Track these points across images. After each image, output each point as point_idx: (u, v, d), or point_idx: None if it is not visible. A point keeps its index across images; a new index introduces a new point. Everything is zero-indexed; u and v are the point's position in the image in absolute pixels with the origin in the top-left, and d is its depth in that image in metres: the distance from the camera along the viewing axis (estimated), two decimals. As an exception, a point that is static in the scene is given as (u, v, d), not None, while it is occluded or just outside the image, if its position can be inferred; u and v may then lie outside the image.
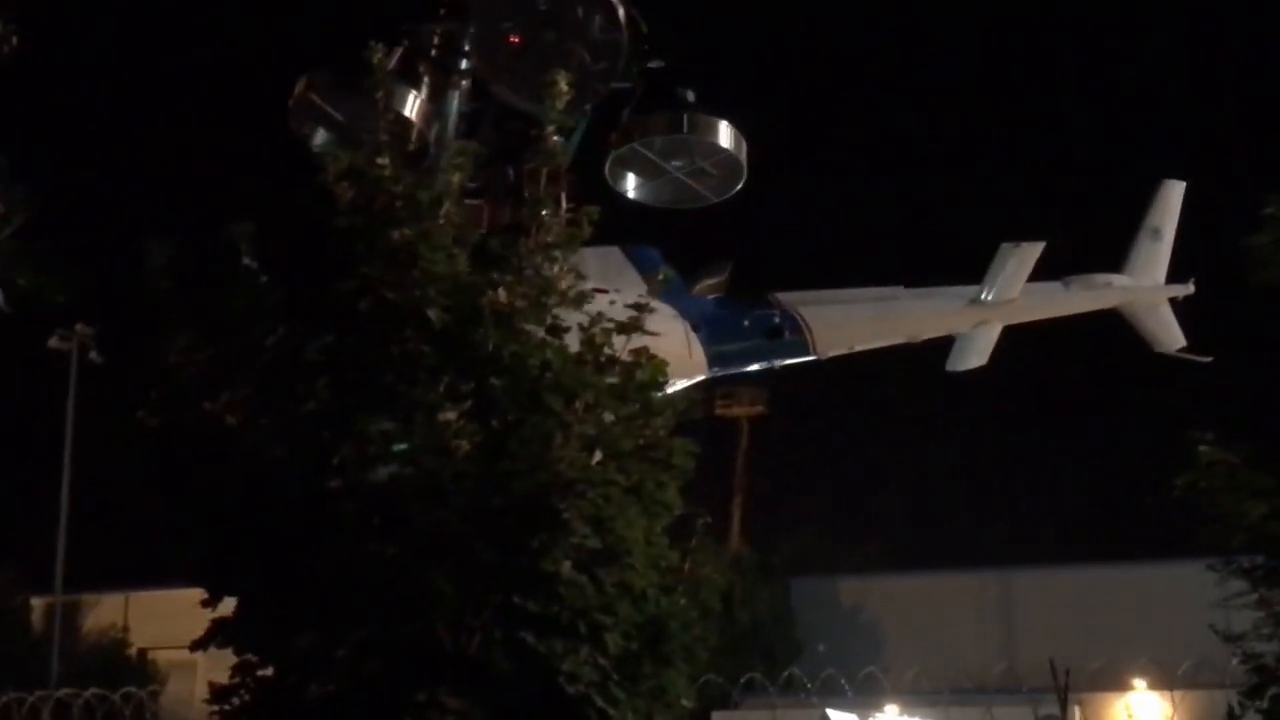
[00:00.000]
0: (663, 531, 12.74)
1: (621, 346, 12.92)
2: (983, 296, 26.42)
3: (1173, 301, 28.54)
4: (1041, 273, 26.51)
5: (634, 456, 12.39)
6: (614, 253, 23.43)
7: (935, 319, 27.38)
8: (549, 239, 12.95)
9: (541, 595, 11.57)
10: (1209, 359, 27.61)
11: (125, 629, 46.28)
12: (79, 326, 43.95)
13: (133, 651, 45.00)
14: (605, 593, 11.85)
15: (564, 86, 13.70)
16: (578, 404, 12.10)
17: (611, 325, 12.76)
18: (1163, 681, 33.91)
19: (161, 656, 43.65)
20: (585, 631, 11.72)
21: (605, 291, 13.04)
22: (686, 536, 13.31)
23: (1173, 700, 31.50)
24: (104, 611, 47.44)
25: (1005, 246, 25.97)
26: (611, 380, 12.61)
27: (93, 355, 43.08)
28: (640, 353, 12.97)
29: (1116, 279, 28.63)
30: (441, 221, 12.67)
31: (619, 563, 12.00)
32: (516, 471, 11.68)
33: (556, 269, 12.97)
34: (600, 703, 11.83)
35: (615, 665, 11.93)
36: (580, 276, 13.49)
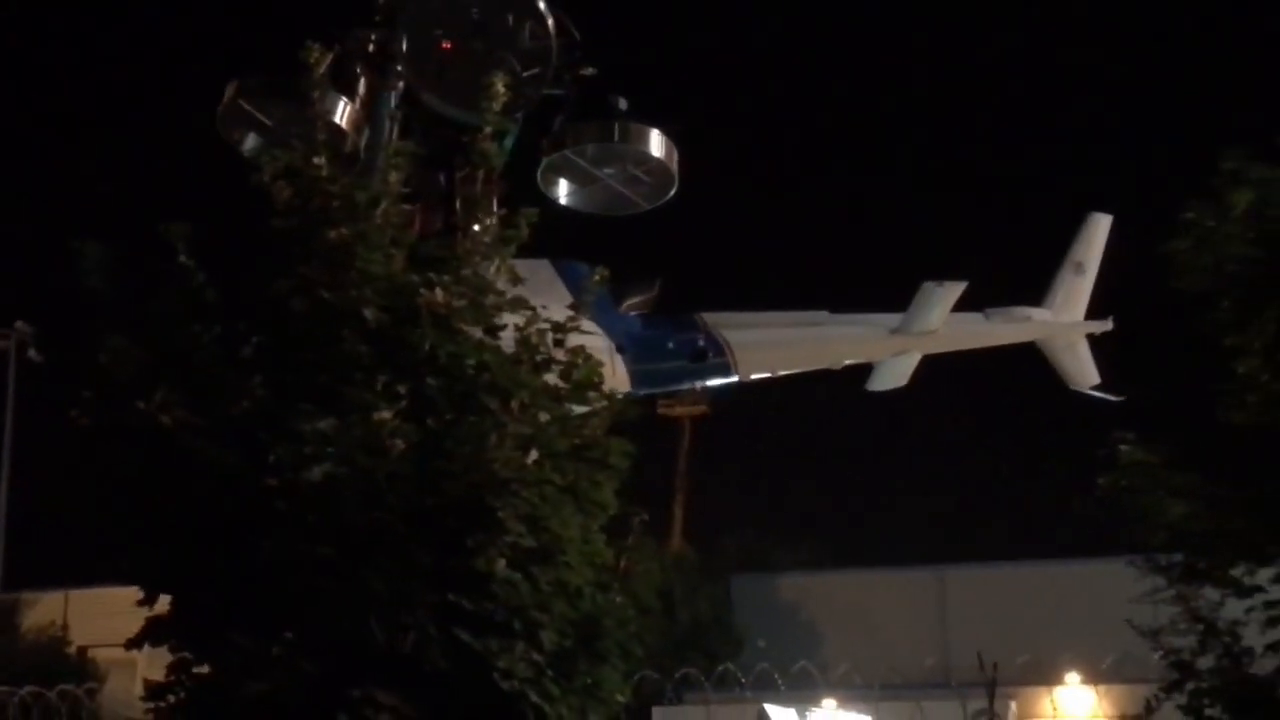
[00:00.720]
0: (599, 530, 12.74)
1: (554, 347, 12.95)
2: (904, 327, 26.70)
3: (1090, 338, 28.84)
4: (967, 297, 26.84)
5: (570, 456, 12.37)
6: (544, 265, 23.42)
7: (857, 346, 27.65)
8: (486, 240, 12.94)
9: (477, 593, 11.53)
10: (1120, 398, 27.91)
11: (65, 627, 45.83)
12: (18, 324, 43.48)
13: (72, 649, 44.54)
14: (540, 590, 11.83)
15: (500, 89, 13.70)
16: (513, 404, 12.07)
17: (547, 326, 12.77)
18: (1089, 676, 34.33)
19: (101, 654, 43.19)
20: (520, 629, 11.69)
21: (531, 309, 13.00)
22: (623, 535, 13.32)
23: (1098, 694, 31.89)
24: (43, 610, 46.92)
25: (928, 285, 26.31)
26: (548, 379, 12.63)
27: (31, 354, 42.60)
28: (576, 353, 12.99)
29: (1037, 313, 28.95)
30: (379, 222, 12.62)
31: (554, 561, 11.99)
32: (452, 471, 11.62)
33: (493, 270, 12.96)
34: (535, 699, 11.80)
35: (550, 662, 11.90)
36: (517, 279, 13.48)
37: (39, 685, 27.22)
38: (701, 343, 26.24)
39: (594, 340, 24.39)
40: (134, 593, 12.32)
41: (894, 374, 28.01)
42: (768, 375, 27.37)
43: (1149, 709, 11.95)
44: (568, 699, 12.19)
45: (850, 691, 33.24)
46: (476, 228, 13.02)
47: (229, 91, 22.70)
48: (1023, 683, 36.78)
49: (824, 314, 27.42)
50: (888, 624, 42.78)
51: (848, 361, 27.97)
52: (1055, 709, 35.25)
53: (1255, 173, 11.53)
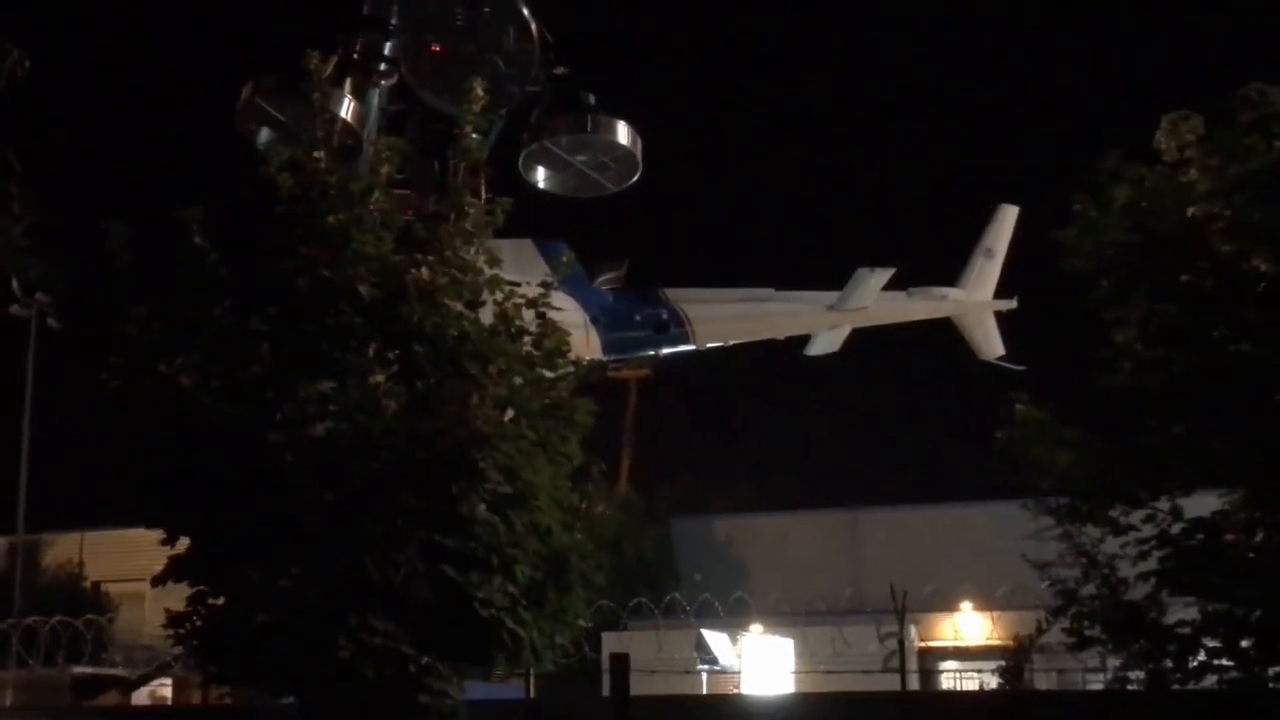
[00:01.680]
0: (566, 478, 12.86)
1: (530, 319, 13.02)
2: (839, 305, 27.09)
3: (998, 314, 29.21)
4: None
5: (541, 414, 12.47)
6: (527, 244, 23.52)
7: (799, 320, 28.02)
8: (467, 225, 12.96)
9: (460, 534, 11.65)
10: (1022, 368, 28.32)
11: (81, 564, 45.39)
12: (38, 295, 42.81)
13: (88, 584, 44.16)
14: (515, 531, 11.95)
15: (480, 91, 13.72)
16: (492, 369, 12.15)
17: (522, 300, 12.84)
18: (983, 604, 34.79)
19: (113, 588, 42.89)
20: (498, 564, 11.81)
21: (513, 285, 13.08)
22: (585, 481, 13.42)
23: (992, 619, 32.36)
24: (61, 549, 46.43)
25: (861, 270, 26.70)
26: (523, 347, 12.70)
27: (50, 321, 41.98)
28: (547, 324, 13.08)
29: (952, 292, 29.28)
30: (372, 208, 12.63)
31: (527, 505, 12.10)
32: (438, 428, 11.69)
33: (473, 251, 12.98)
34: (510, 624, 11.93)
35: (523, 592, 12.04)
36: (495, 259, 13.52)
37: (61, 616, 26.99)
38: (665, 315, 26.54)
39: (572, 314, 24.80)
40: (141, 533, 12.33)
41: (829, 343, 28.43)
42: (721, 344, 27.66)
43: (1040, 630, 12.20)
44: (539, 624, 12.33)
45: (777, 618, 33.55)
46: (457, 215, 13.01)
47: (246, 91, 22.52)
48: (925, 610, 37.15)
49: (771, 291, 27.79)
50: (808, 559, 43.04)
51: (791, 333, 28.35)
52: (956, 632, 35.75)
53: (1131, 172, 11.73)
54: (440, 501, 11.63)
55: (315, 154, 12.67)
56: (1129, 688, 11.82)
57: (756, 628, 34.10)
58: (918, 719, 13.82)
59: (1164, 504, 11.64)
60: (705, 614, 30.06)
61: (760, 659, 33.07)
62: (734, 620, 32.39)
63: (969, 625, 36.76)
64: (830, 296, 27.46)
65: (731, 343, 27.96)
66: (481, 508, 11.69)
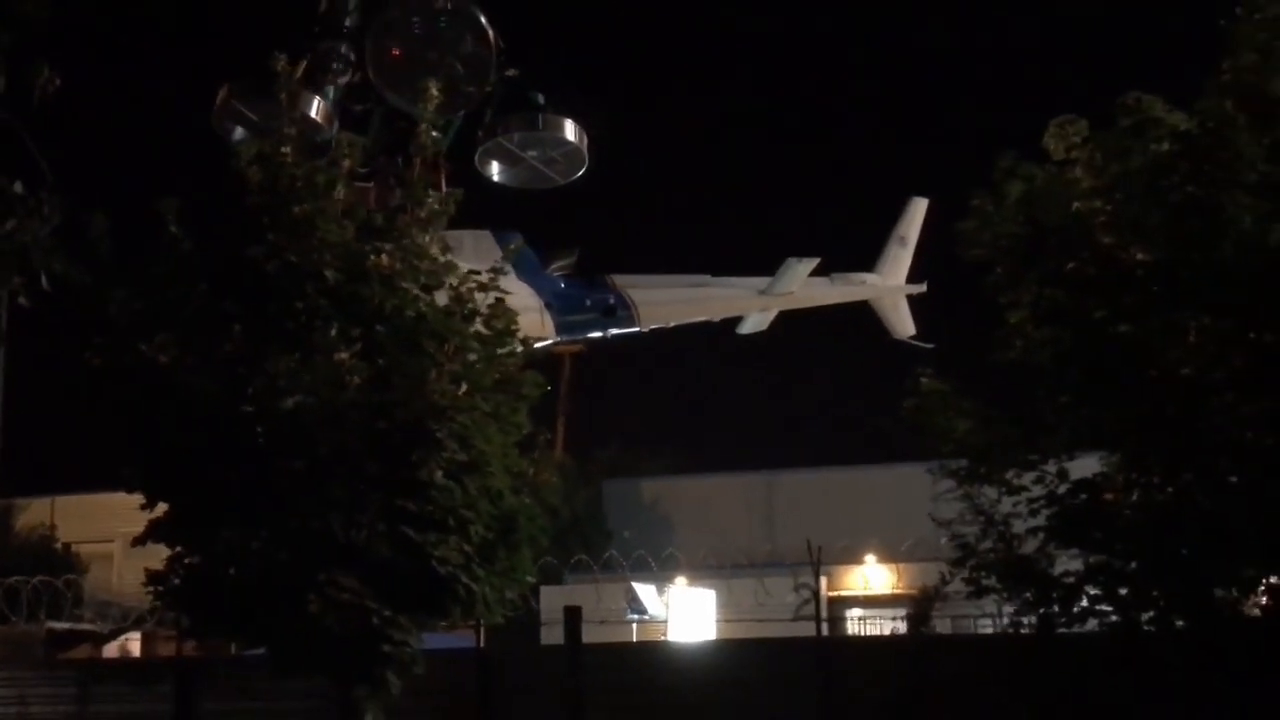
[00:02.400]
0: (515, 445, 12.95)
1: (482, 301, 13.07)
2: (769, 290, 27.55)
3: (909, 298, 29.74)
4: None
5: (493, 388, 12.51)
6: (485, 235, 23.63)
7: (733, 303, 28.55)
8: (422, 215, 12.96)
9: (419, 498, 11.69)
10: (931, 346, 28.89)
11: (53, 527, 44.64)
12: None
13: (59, 545, 43.46)
14: (469, 494, 11.99)
15: (435, 91, 13.72)
16: (447, 347, 12.17)
17: (474, 284, 12.88)
18: (888, 557, 35.40)
19: (84, 549, 42.24)
20: (454, 525, 11.88)
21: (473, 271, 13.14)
22: (532, 449, 13.50)
23: (897, 570, 33.02)
24: (34, 513, 45.57)
25: (790, 260, 27.25)
26: (475, 328, 12.74)
27: (21, 300, 41.13)
28: (497, 305, 13.13)
29: (869, 277, 29.82)
30: (336, 199, 12.59)
31: (480, 471, 12.13)
32: (398, 401, 11.73)
33: (428, 239, 12.98)
34: (465, 580, 12.01)
35: (476, 551, 12.10)
36: (448, 246, 13.54)
37: (34, 576, 26.61)
38: (612, 300, 26.88)
39: (528, 299, 24.98)
40: (111, 498, 12.28)
41: (758, 323, 28.94)
42: (663, 326, 28.04)
43: (944, 580, 12.52)
44: (490, 580, 12.43)
45: (701, 571, 33.91)
46: (414, 206, 13.02)
47: (222, 93, 22.35)
48: (835, 562, 37.66)
49: (707, 277, 28.25)
50: (728, 518, 43.41)
51: (725, 315, 28.80)
52: (866, 582, 36.39)
53: (1024, 170, 12.00)
54: (400, 468, 11.68)
55: (282, 149, 12.61)
56: (1021, 631, 12.20)
57: (681, 580, 34.43)
58: (830, 661, 14.19)
59: (1051, 467, 11.98)
60: (637, 569, 30.36)
61: (685, 609, 33.45)
62: (661, 574, 32.70)
63: (875, 576, 37.39)
64: (761, 282, 27.94)
65: (672, 324, 28.34)
66: (439, 474, 11.73)
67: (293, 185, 12.38)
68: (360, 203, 16.58)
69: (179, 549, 12.18)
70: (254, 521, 11.65)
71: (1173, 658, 11.26)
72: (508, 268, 13.43)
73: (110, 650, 30.77)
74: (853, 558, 37.21)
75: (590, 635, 21.11)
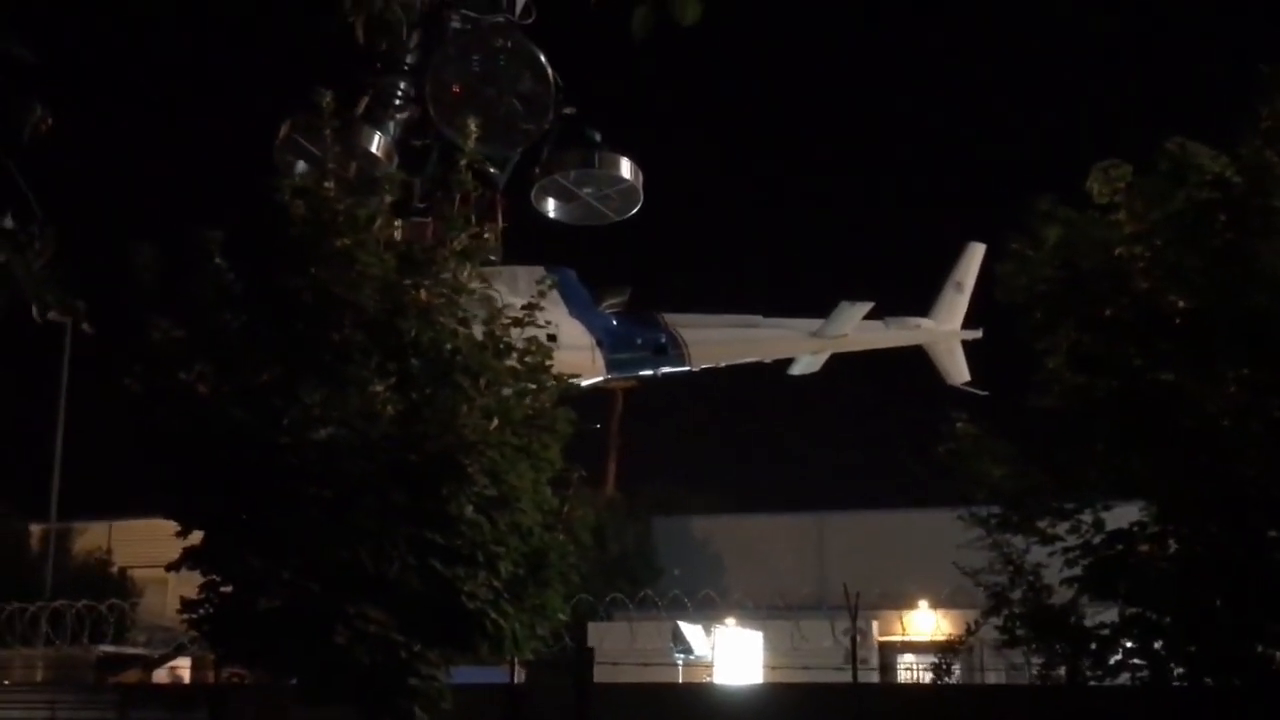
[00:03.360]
0: (547, 482, 12.91)
1: (518, 336, 13.13)
2: (822, 332, 27.45)
3: (965, 344, 29.46)
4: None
5: (524, 423, 12.50)
6: (538, 270, 23.83)
7: (785, 345, 28.37)
8: (459, 249, 13.06)
9: (448, 531, 11.69)
10: (985, 393, 28.54)
11: (109, 551, 45.27)
12: (77, 302, 42.81)
13: (115, 570, 44.04)
14: (499, 530, 11.99)
15: (474, 128, 13.91)
16: (480, 381, 12.22)
17: (509, 320, 12.95)
18: (935, 602, 34.94)
19: (139, 574, 42.78)
20: (482, 560, 11.86)
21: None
22: (566, 487, 13.48)
23: (939, 617, 32.56)
24: (91, 536, 46.32)
25: (843, 303, 27.16)
26: (509, 363, 12.79)
27: (84, 326, 41.99)
28: (532, 341, 13.19)
29: (924, 322, 29.52)
30: (375, 233, 12.71)
31: (510, 507, 12.13)
32: (430, 434, 11.76)
33: (466, 273, 13.08)
34: (493, 615, 11.98)
35: (506, 586, 12.09)
36: (485, 280, 13.62)
37: (89, 600, 27.02)
38: (663, 339, 26.95)
39: (582, 337, 25.19)
40: (166, 524, 12.39)
41: (809, 364, 28.79)
42: (713, 365, 28.05)
43: (969, 631, 12.29)
44: (519, 616, 12.39)
45: (748, 612, 33.65)
46: (453, 240, 13.12)
47: (284, 128, 22.85)
48: (881, 607, 37.24)
49: (759, 318, 28.19)
50: (777, 558, 43.14)
51: (776, 357, 28.70)
52: (904, 627, 35.90)
53: (1061, 214, 11.87)
54: (430, 501, 11.69)
55: (325, 183, 12.80)
56: (1047, 684, 11.94)
57: (730, 621, 34.18)
58: (862, 707, 13.94)
59: (1088, 516, 11.75)
60: (684, 606, 30.15)
61: (732, 650, 33.20)
62: (709, 613, 32.49)
63: (924, 621, 36.88)
64: (813, 324, 27.81)
65: (723, 364, 28.30)
66: (468, 508, 11.74)
67: (334, 218, 12.53)
68: (403, 237, 16.73)
69: (212, 576, 12.25)
70: (284, 551, 11.69)
71: (1206, 713, 10.95)
72: (544, 303, 13.47)
73: (159, 675, 31.14)
74: (902, 602, 36.80)
75: (633, 675, 21.05)
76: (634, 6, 5.30)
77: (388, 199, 13.09)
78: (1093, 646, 11.37)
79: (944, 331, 29.35)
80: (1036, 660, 12.04)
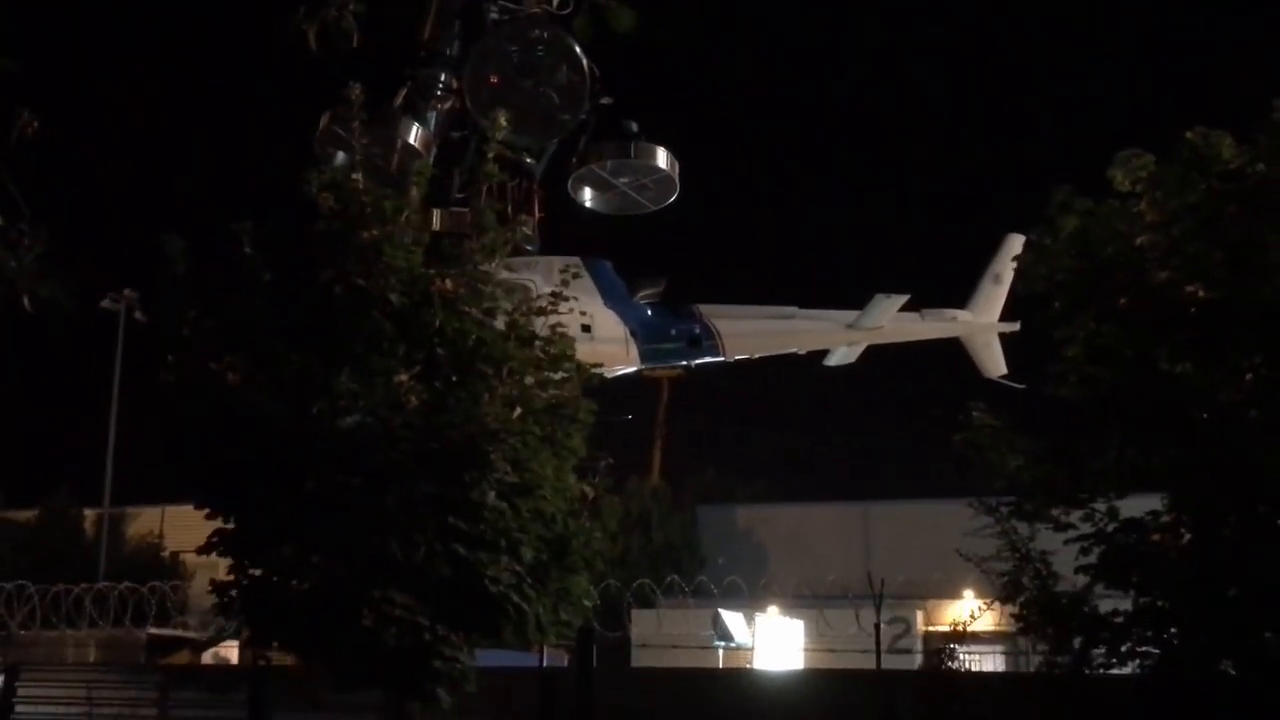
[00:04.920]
0: (571, 470, 13.14)
1: (541, 325, 13.36)
2: (859, 323, 27.42)
3: (1001, 336, 29.29)
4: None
5: (547, 412, 12.74)
6: (574, 261, 24.07)
7: (820, 336, 28.37)
8: (485, 241, 13.30)
9: (471, 518, 11.95)
10: (1023, 386, 28.35)
11: (160, 535, 46.16)
12: (126, 291, 43.77)
13: (166, 554, 44.93)
14: (521, 516, 12.24)
15: (503, 122, 14.15)
16: (504, 370, 12.49)
17: (530, 311, 13.17)
18: (988, 591, 34.75)
19: (189, 558, 43.67)
20: (505, 546, 12.14)
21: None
22: (593, 475, 13.68)
23: (984, 606, 32.38)
24: (143, 521, 47.31)
25: (879, 295, 27.11)
26: (532, 353, 13.01)
27: (137, 315, 42.91)
28: (555, 331, 13.42)
29: (961, 314, 29.37)
30: (402, 225, 12.96)
31: (533, 494, 12.37)
32: (454, 422, 12.02)
33: (492, 265, 13.31)
34: (516, 599, 12.24)
35: (529, 571, 12.35)
36: (512, 271, 13.86)
37: (140, 584, 27.72)
38: (697, 330, 27.08)
39: (617, 328, 25.45)
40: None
41: (847, 356, 28.77)
42: (748, 357, 28.11)
43: (973, 617, 12.37)
44: (543, 600, 12.66)
45: (788, 600, 33.78)
46: (478, 233, 13.36)
47: (324, 119, 23.23)
48: (927, 596, 37.16)
49: (794, 309, 28.20)
50: (822, 547, 43.11)
51: (812, 348, 28.71)
52: (923, 620, 35.84)
53: (1079, 204, 11.89)
54: (454, 488, 11.97)
55: (353, 176, 13.10)
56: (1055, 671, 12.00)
57: (771, 609, 34.30)
58: (891, 694, 14.05)
59: (1101, 505, 11.80)
60: (723, 595, 30.29)
61: (772, 638, 33.35)
62: (747, 601, 32.65)
63: (969, 611, 36.71)
64: (849, 315, 27.77)
65: (758, 356, 28.35)
66: (491, 494, 12.00)
67: (362, 211, 12.82)
68: (442, 227, 16.99)
69: (243, 561, 12.61)
70: (312, 537, 12.03)
71: (1217, 702, 10.98)
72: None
73: (207, 657, 31.86)
74: (951, 592, 36.65)
75: (670, 660, 21.26)
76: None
77: (415, 192, 13.36)
78: (1106, 636, 11.42)
79: (981, 324, 29.18)
80: (1042, 648, 12.11)
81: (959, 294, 29.37)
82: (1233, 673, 10.88)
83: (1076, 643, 11.44)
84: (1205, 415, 10.73)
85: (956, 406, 12.53)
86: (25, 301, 5.47)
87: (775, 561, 42.67)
